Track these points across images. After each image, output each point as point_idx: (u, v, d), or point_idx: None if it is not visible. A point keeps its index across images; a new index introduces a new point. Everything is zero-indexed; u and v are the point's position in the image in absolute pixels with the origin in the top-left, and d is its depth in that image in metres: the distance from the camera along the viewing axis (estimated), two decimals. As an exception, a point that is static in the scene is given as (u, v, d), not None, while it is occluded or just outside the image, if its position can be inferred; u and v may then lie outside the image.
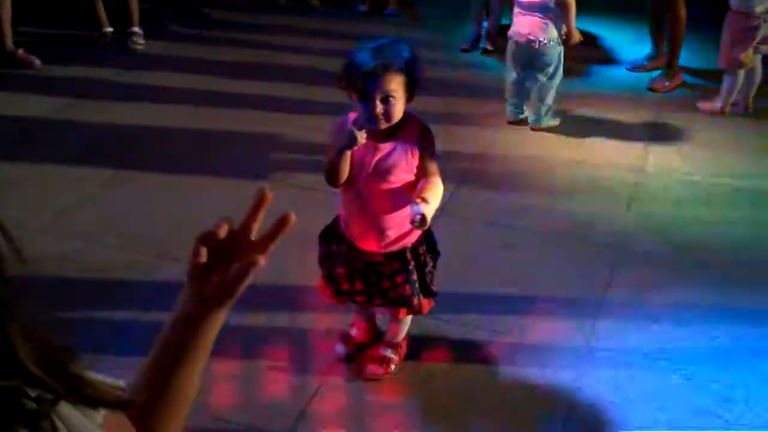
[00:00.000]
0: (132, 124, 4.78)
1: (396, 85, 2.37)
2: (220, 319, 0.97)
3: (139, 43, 6.07)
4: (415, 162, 2.51)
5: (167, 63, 5.82)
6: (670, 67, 5.57)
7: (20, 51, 5.62)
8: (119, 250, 3.52)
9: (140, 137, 4.64)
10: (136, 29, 6.09)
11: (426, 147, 2.51)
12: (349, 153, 2.43)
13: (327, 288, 2.77)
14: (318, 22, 6.86)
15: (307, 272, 3.00)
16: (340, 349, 2.94)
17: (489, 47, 6.15)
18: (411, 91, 2.44)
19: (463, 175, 4.26)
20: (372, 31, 6.02)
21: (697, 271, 3.51)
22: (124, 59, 5.87)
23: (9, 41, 5.60)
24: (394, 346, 2.89)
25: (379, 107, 2.38)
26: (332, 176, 2.49)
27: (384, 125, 2.43)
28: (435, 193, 2.44)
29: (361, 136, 2.37)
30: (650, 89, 5.55)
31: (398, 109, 2.42)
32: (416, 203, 2.35)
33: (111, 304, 3.19)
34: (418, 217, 2.32)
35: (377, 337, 2.96)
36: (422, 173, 2.50)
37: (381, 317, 2.97)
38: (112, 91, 5.26)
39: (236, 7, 7.22)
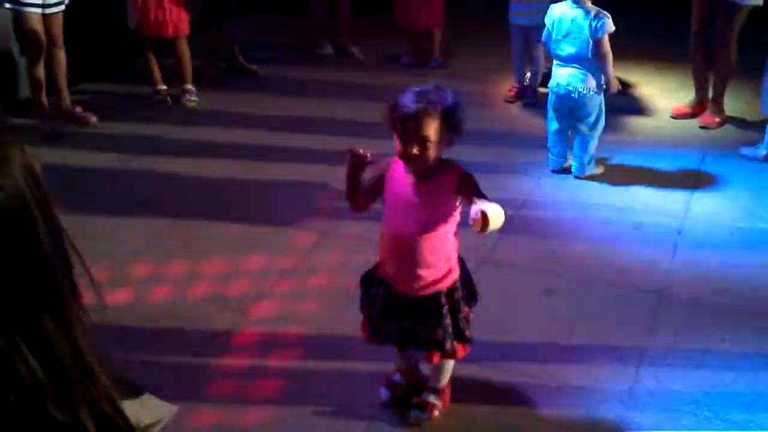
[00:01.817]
0: (186, 177, 4.94)
1: (434, 129, 2.45)
2: None
3: (192, 99, 6.27)
4: (456, 207, 2.57)
5: (219, 118, 6.00)
6: (717, 104, 5.70)
7: (78, 109, 5.85)
8: (173, 299, 3.64)
9: (194, 190, 4.79)
10: (189, 86, 6.29)
11: (471, 190, 2.55)
12: (356, 173, 2.57)
13: (365, 329, 2.86)
14: (363, 76, 7.00)
15: (353, 319, 3.08)
16: (384, 394, 2.99)
17: (531, 98, 6.23)
18: (450, 136, 2.50)
19: (507, 222, 4.30)
20: (416, 83, 6.15)
21: (740, 317, 3.50)
22: (177, 115, 6.07)
23: (66, 100, 5.83)
24: (438, 392, 2.94)
25: (415, 149, 2.46)
26: (347, 196, 2.66)
27: (419, 168, 2.51)
28: (493, 205, 2.45)
29: (355, 156, 2.53)
30: (702, 127, 5.67)
31: (434, 153, 2.49)
32: (475, 204, 2.38)
33: (163, 350, 3.29)
34: (479, 214, 2.34)
35: (421, 383, 3.01)
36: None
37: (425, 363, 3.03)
38: (166, 146, 5.44)
39: (284, 63, 7.41)
